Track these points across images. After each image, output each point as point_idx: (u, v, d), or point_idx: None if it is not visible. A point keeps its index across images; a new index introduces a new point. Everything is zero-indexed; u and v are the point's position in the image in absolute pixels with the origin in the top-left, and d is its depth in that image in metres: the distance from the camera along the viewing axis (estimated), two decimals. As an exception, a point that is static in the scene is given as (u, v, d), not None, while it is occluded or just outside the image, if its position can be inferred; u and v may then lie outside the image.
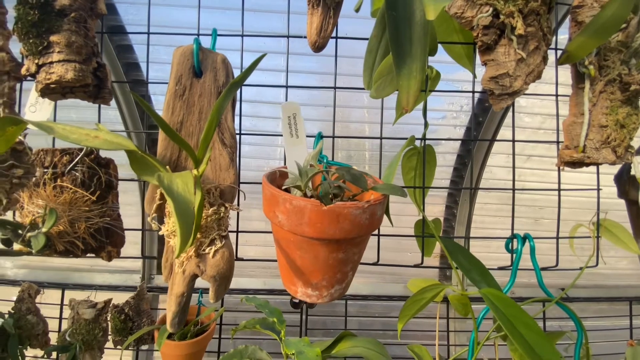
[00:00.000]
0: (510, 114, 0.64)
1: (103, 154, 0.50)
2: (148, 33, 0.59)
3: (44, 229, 0.43)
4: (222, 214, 0.45)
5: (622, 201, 0.63)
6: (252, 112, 1.22)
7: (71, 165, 0.45)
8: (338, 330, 0.82)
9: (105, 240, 0.47)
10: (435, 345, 0.84)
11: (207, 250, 0.44)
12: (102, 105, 0.54)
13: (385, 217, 0.49)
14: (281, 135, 0.50)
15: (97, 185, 0.46)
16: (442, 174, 1.27)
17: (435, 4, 0.31)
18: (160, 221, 0.47)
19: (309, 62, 1.11)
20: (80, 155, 0.46)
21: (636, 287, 1.36)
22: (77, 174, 0.45)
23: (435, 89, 0.60)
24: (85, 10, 0.49)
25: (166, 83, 0.46)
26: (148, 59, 0.63)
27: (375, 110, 1.20)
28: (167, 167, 0.42)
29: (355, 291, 1.28)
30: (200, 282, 0.47)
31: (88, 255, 0.48)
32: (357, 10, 0.45)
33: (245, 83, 0.65)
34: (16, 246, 0.44)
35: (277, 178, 0.49)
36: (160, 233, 0.46)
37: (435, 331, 0.86)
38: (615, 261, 1.39)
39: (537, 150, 1.22)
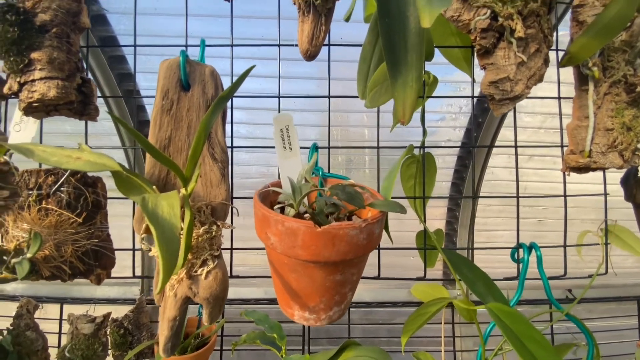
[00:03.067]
0: (510, 113, 0.62)
1: (90, 172, 0.48)
2: (135, 45, 0.57)
3: (28, 255, 0.41)
4: (214, 233, 0.43)
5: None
6: (248, 119, 1.21)
7: (56, 187, 0.43)
8: (342, 339, 0.80)
9: (93, 262, 0.46)
10: (441, 351, 0.81)
11: (199, 272, 0.42)
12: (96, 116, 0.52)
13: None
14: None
15: (83, 206, 0.44)
16: (443, 176, 1.24)
17: (430, 10, 0.29)
18: (151, 241, 0.45)
19: (306, 68, 1.09)
20: (65, 176, 0.44)
21: (644, 285, 1.33)
22: (62, 195, 0.43)
23: (434, 94, 0.58)
24: (67, 25, 0.47)
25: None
26: (135, 70, 0.61)
27: (374, 114, 1.18)
28: (154, 187, 0.41)
29: (358, 298, 1.25)
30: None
31: (76, 278, 0.46)
32: (347, 20, 0.43)
33: (237, 94, 0.63)
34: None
35: (270, 194, 0.47)
36: (151, 254, 0.44)
37: (441, 337, 0.84)
38: (621, 260, 1.37)
39: (538, 149, 1.20)
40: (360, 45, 0.48)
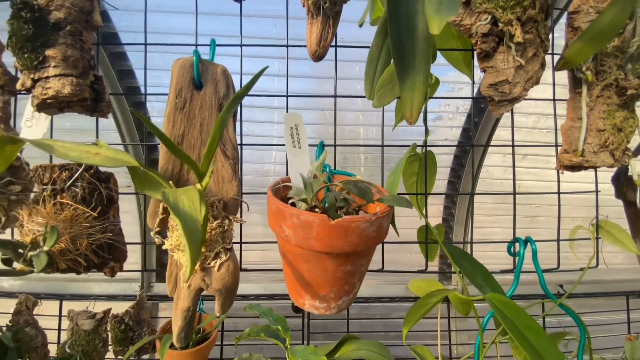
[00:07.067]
0: (507, 114, 0.64)
1: (104, 168, 0.50)
2: (145, 44, 0.58)
3: (45, 248, 0.42)
4: (226, 227, 0.45)
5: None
6: (247, 116, 1.22)
7: (71, 181, 0.44)
8: (340, 334, 0.82)
9: (107, 255, 0.47)
10: (437, 345, 0.84)
11: (212, 264, 0.44)
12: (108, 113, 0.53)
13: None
14: (282, 143, 0.50)
15: (97, 201, 0.45)
16: (439, 174, 1.26)
17: (439, 18, 0.31)
18: (164, 235, 0.47)
19: (303, 67, 1.11)
20: (79, 171, 0.45)
21: (632, 281, 1.38)
22: (77, 190, 0.45)
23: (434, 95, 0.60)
24: (80, 22, 0.48)
25: (162, 92, 0.46)
26: (146, 69, 0.62)
27: (369, 113, 1.20)
28: (170, 182, 0.42)
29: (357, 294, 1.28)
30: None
31: (91, 271, 0.47)
32: (360, 25, 0.45)
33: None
34: (17, 265, 0.43)
35: (280, 189, 0.49)
36: (164, 247, 0.45)
37: (437, 331, 0.87)
38: (611, 256, 1.41)
39: (532, 149, 1.23)
40: (363, 47, 0.50)
